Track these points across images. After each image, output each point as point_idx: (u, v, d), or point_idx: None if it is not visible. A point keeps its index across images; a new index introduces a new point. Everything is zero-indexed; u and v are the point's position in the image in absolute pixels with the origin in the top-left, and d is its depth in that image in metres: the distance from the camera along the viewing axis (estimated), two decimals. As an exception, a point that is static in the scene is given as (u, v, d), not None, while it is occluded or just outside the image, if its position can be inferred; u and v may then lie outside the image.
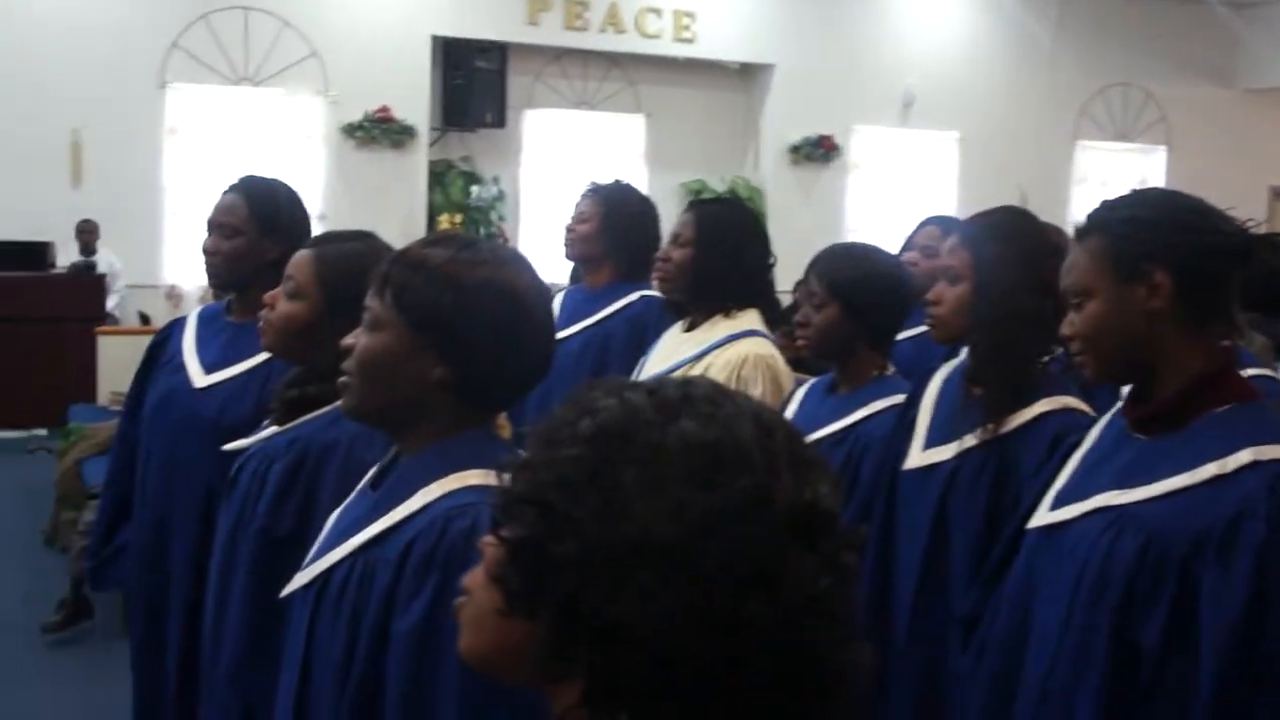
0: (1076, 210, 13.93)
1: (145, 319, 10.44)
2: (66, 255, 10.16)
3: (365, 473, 1.91)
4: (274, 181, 2.99)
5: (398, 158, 11.44)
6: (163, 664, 2.85)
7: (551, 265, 4.65)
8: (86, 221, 10.22)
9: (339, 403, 2.12)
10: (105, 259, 10.25)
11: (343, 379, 1.69)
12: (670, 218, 3.34)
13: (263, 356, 2.80)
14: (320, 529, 2.07)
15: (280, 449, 2.17)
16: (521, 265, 1.70)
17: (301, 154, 11.25)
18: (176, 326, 3.02)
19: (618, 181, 3.88)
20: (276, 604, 2.08)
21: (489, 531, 1.03)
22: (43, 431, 9.14)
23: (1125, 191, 2.01)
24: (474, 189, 11.97)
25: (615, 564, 0.92)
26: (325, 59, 11.26)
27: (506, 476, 1.01)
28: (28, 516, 6.99)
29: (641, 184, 12.57)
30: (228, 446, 2.34)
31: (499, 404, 1.71)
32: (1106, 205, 1.93)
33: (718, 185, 12.75)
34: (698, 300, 3.02)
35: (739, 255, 3.01)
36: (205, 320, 2.97)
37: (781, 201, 12.58)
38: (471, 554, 1.47)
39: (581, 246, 3.61)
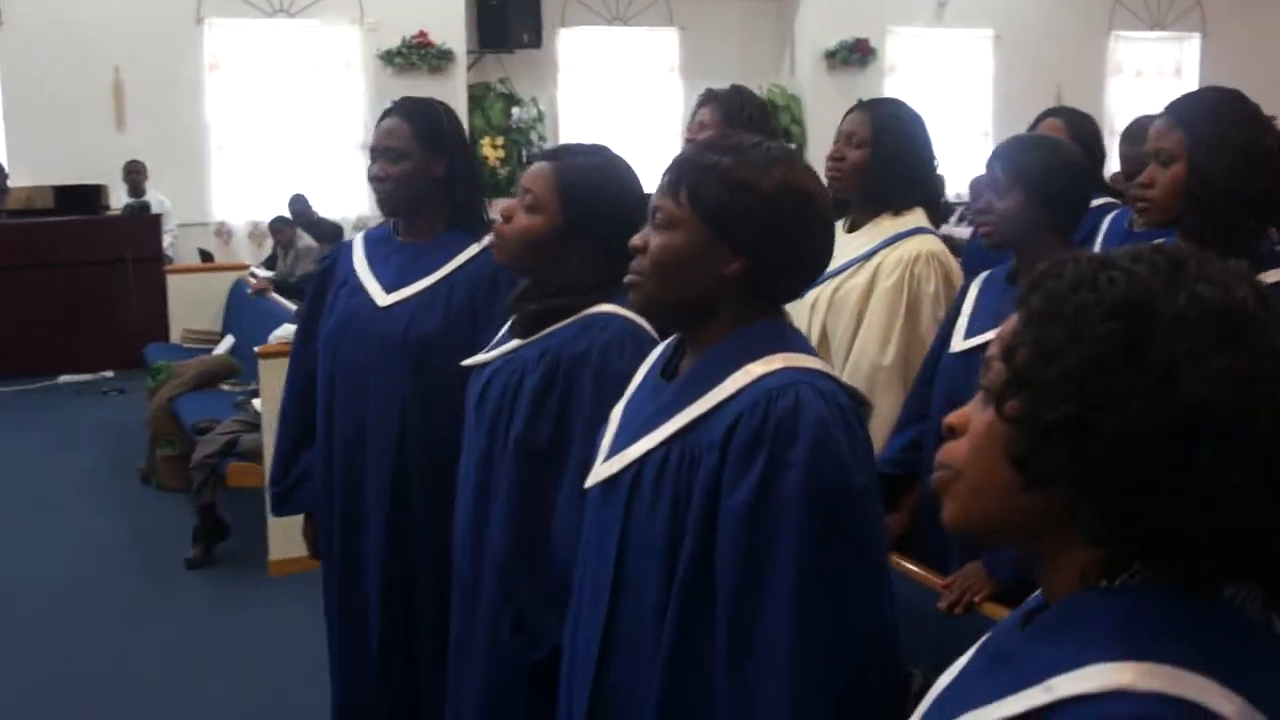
0: (1112, 103, 13.84)
1: (206, 256, 10.46)
2: (116, 198, 10.15)
3: (618, 382, 1.94)
4: (430, 100, 2.97)
5: (437, 82, 11.34)
6: (360, 578, 2.89)
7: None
8: (134, 162, 10.21)
9: (586, 312, 2.17)
10: (155, 199, 10.24)
11: (632, 277, 1.73)
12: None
13: (443, 272, 2.82)
14: (575, 439, 2.10)
15: (531, 362, 2.18)
16: (801, 162, 1.74)
17: (341, 84, 11.22)
18: (343, 251, 3.03)
19: (734, 86, 3.84)
20: (540, 512, 2.12)
21: (996, 410, 1.01)
22: (109, 373, 9.20)
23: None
24: (514, 111, 11.91)
25: (1172, 438, 0.92)
26: (360, -13, 11.18)
27: (1003, 353, 1.01)
28: (116, 457, 7.05)
29: (677, 97, 12.55)
30: (467, 362, 2.34)
31: (788, 295, 1.75)
32: None
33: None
34: (869, 199, 3.00)
35: (914, 153, 2.99)
36: (374, 243, 2.96)
37: (819, 108, 12.46)
38: (797, 429, 1.54)
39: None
